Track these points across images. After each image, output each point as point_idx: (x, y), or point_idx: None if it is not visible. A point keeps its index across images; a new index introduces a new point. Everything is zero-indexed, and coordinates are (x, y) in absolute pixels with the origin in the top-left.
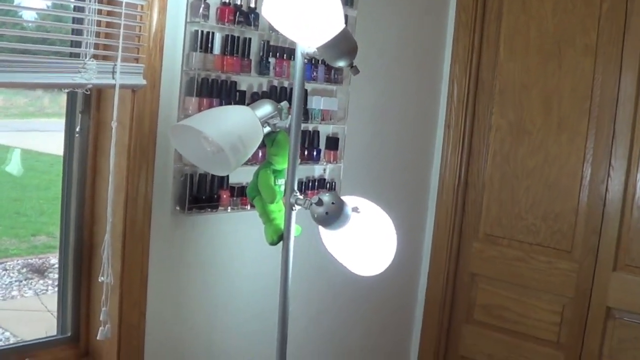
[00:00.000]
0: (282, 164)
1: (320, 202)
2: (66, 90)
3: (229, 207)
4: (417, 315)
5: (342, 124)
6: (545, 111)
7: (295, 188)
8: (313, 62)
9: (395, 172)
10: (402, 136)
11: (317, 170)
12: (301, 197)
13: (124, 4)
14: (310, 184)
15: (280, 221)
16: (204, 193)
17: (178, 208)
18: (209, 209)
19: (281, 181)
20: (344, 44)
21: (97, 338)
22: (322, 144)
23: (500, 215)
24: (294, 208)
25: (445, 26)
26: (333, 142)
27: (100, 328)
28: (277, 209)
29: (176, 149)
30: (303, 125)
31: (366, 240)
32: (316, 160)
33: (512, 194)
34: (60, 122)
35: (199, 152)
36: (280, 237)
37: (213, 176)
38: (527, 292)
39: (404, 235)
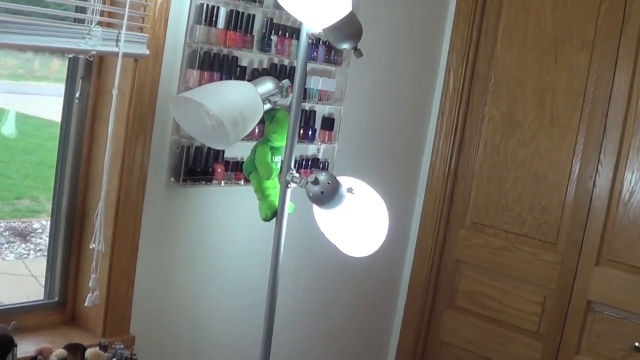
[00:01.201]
0: (280, 141)
1: (316, 181)
2: (69, 55)
3: (223, 181)
4: (400, 298)
5: (339, 105)
6: (538, 105)
7: (292, 166)
8: (314, 42)
9: (388, 156)
10: (396, 121)
11: (310, 149)
12: (297, 175)
13: None
14: (303, 162)
15: (275, 198)
16: (199, 165)
17: (172, 179)
18: (203, 182)
19: (278, 158)
20: (350, 27)
21: (85, 304)
22: (318, 124)
23: (487, 204)
24: (289, 186)
25: (446, 15)
26: (328, 123)
27: (89, 295)
28: (273, 186)
29: (175, 120)
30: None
31: (359, 221)
32: (311, 139)
33: (500, 184)
34: (50, 86)
35: (198, 125)
36: (274, 213)
37: (209, 149)
38: (510, 282)
39: (391, 219)
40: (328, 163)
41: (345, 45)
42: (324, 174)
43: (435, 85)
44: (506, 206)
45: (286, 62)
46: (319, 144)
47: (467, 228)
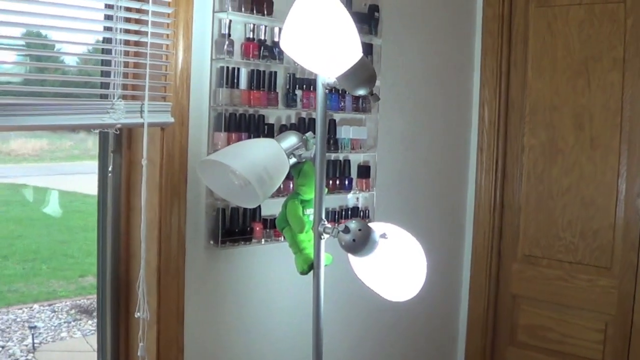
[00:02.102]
0: (309, 194)
1: (347, 230)
2: (96, 131)
3: (263, 239)
4: (459, 339)
5: (373, 152)
6: (576, 129)
7: (323, 217)
8: (340, 92)
9: (430, 197)
10: (434, 161)
11: (350, 199)
12: (329, 225)
13: (149, 44)
14: (343, 213)
15: (310, 250)
16: (236, 226)
17: (212, 242)
18: (243, 242)
19: (309, 211)
20: (362, 72)
21: None
22: (354, 173)
23: (538, 235)
24: (322, 237)
25: (472, 51)
26: (364, 171)
27: None
28: (307, 239)
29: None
30: (333, 155)
31: (395, 266)
32: (348, 189)
33: (548, 213)
34: None
35: (227, 185)
36: (310, 266)
37: (245, 209)
38: (569, 311)
39: (442, 259)
40: (368, 211)
41: (361, 91)
42: (354, 221)
43: (471, 120)
44: (557, 235)
45: (314, 114)
46: (357, 192)
47: (519, 261)
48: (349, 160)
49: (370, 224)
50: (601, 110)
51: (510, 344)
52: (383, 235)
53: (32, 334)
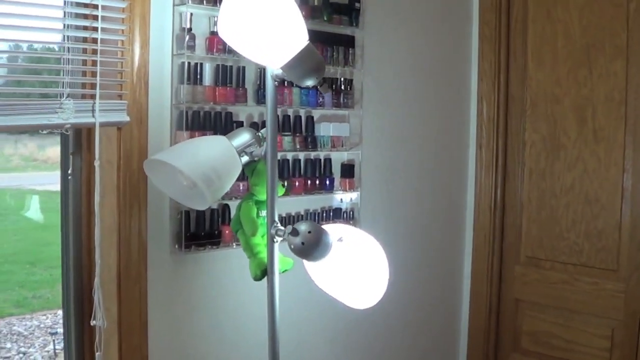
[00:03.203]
0: (264, 194)
1: (295, 232)
2: (44, 132)
3: (234, 243)
4: (461, 346)
5: (357, 149)
6: (579, 122)
7: (276, 219)
8: (319, 87)
9: (424, 198)
10: (428, 159)
11: (335, 200)
12: (282, 228)
13: (99, 40)
14: (324, 214)
15: (264, 255)
16: (202, 229)
17: (177, 246)
18: (210, 246)
19: (265, 212)
20: (308, 61)
21: None
22: (338, 172)
23: (541, 235)
24: (275, 240)
25: (469, 42)
26: (348, 169)
27: None
28: (263, 242)
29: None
30: (313, 154)
31: (354, 271)
32: (329, 189)
33: (551, 212)
34: None
35: (177, 186)
36: (264, 272)
37: (213, 212)
38: (574, 317)
39: (440, 263)
40: (353, 212)
41: (309, 82)
42: (305, 223)
43: (469, 116)
44: (560, 235)
45: (290, 111)
46: (340, 192)
47: (522, 264)
48: (329, 159)
49: (324, 226)
50: (604, 102)
51: (513, 351)
52: (340, 239)
53: (53, 340)
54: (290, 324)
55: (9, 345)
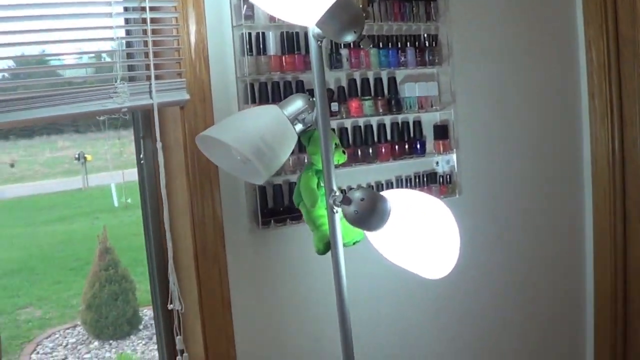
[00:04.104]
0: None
1: (347, 201)
2: (102, 118)
3: None
4: (587, 312)
5: (449, 109)
6: None
7: (334, 187)
8: (400, 46)
9: (534, 154)
10: (534, 113)
11: (429, 164)
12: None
13: (148, 20)
14: (417, 180)
15: (328, 227)
16: (281, 204)
17: (254, 224)
18: (291, 221)
19: None
20: (344, 15)
21: None
22: (429, 135)
23: None
24: (335, 210)
25: None
26: (441, 131)
27: (178, 357)
28: (326, 214)
29: None
30: (401, 117)
31: (420, 239)
32: (420, 153)
33: None
34: None
35: (232, 161)
36: (327, 245)
37: (291, 185)
38: None
39: (558, 227)
40: (450, 176)
41: (348, 37)
42: (359, 190)
43: (579, 64)
44: None
45: (369, 74)
46: (435, 156)
47: None
48: (419, 121)
49: (381, 193)
50: None
51: None
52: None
53: None
54: (370, 299)
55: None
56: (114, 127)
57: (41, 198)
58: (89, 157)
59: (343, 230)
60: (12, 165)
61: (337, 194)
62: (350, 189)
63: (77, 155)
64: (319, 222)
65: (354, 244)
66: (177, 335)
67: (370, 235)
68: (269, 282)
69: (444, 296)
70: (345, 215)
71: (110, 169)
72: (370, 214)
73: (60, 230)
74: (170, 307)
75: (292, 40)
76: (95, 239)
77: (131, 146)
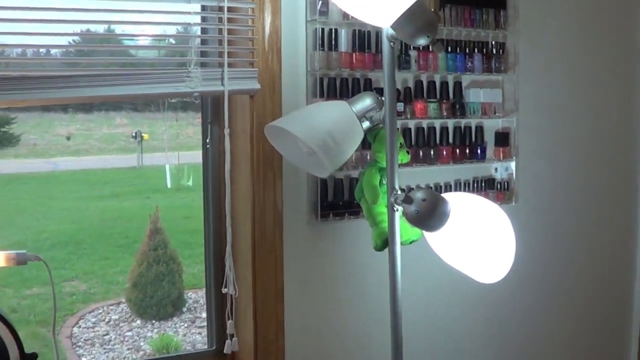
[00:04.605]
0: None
1: (409, 200)
2: (173, 100)
3: None
4: (634, 328)
5: (512, 116)
6: None
7: (397, 186)
8: (467, 51)
9: (590, 168)
10: (595, 127)
11: (487, 170)
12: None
13: (225, 8)
14: (475, 184)
15: (387, 224)
16: (341, 199)
17: (313, 215)
18: (349, 216)
19: None
20: (419, 19)
21: (224, 352)
22: (491, 141)
23: None
24: (396, 209)
25: None
26: (502, 138)
27: (227, 341)
28: (386, 211)
29: None
30: (464, 122)
31: (476, 242)
32: (480, 158)
33: None
34: None
35: (298, 153)
36: (385, 242)
37: (351, 180)
38: None
39: (610, 240)
40: (508, 183)
41: (421, 41)
42: (421, 190)
43: None
44: None
45: (436, 77)
46: (494, 162)
47: None
48: (481, 127)
49: (442, 194)
50: None
51: None
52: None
53: None
54: (423, 298)
55: (204, 314)
56: (172, 109)
57: (95, 173)
58: (145, 136)
59: (401, 228)
60: (68, 138)
61: (399, 192)
62: (410, 188)
63: (134, 134)
64: (378, 218)
65: (410, 242)
66: (228, 319)
67: (428, 235)
68: (323, 273)
69: (494, 301)
70: (405, 214)
71: (166, 150)
72: (430, 214)
73: (111, 207)
74: (224, 290)
75: (364, 39)
76: (145, 218)
77: (188, 129)
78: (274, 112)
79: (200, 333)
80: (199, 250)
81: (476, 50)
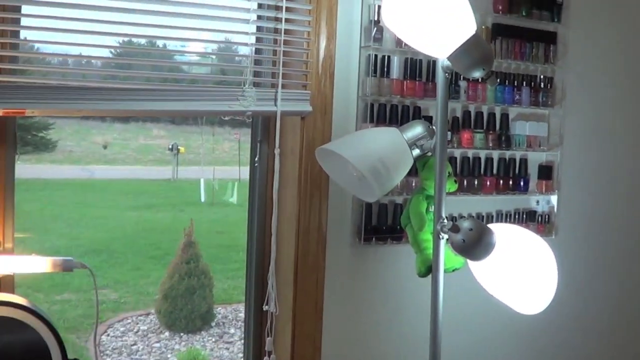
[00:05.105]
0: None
1: (456, 229)
2: (226, 118)
3: None
4: None
5: (556, 150)
6: None
7: (444, 215)
8: (515, 85)
9: (632, 205)
10: (638, 161)
11: (529, 202)
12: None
13: (282, 31)
14: (517, 216)
15: (431, 251)
16: (384, 223)
17: (357, 239)
18: (392, 241)
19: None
20: (475, 51)
21: None
22: (534, 173)
23: None
24: (441, 237)
25: None
26: (546, 171)
27: (265, 358)
28: (432, 239)
29: None
30: (508, 153)
31: (519, 274)
32: (523, 190)
33: None
34: None
35: (347, 176)
36: (429, 268)
37: (396, 206)
38: None
39: None
40: (549, 216)
41: (477, 73)
42: (468, 220)
43: None
44: None
45: (484, 108)
46: (537, 194)
47: None
48: (525, 159)
49: (488, 225)
50: None
51: None
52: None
53: None
54: (462, 326)
55: (232, 330)
56: (209, 123)
57: (130, 183)
58: (182, 149)
59: (445, 256)
60: (104, 147)
61: (445, 221)
62: (453, 217)
63: (170, 146)
64: (423, 245)
65: (453, 270)
66: (268, 336)
67: (472, 264)
68: (363, 296)
69: (534, 334)
70: (451, 243)
71: (202, 164)
72: (477, 244)
73: (145, 218)
74: (265, 308)
75: (415, 67)
76: (178, 231)
77: (224, 144)
78: (324, 135)
79: (227, 348)
80: (231, 266)
81: (524, 83)
